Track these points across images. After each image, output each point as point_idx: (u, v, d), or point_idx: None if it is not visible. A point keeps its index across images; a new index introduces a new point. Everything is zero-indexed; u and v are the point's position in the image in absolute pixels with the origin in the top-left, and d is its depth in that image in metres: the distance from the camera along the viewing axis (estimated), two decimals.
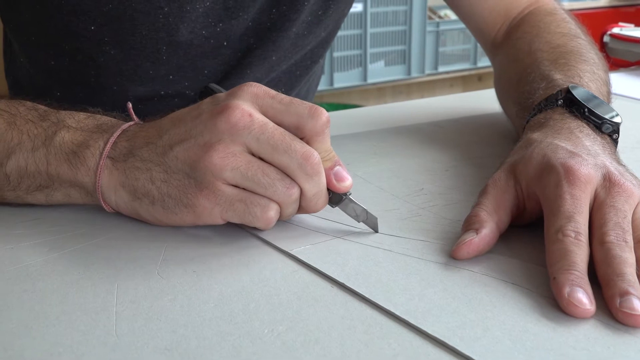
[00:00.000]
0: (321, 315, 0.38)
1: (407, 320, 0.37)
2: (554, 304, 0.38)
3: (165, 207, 0.46)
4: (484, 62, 2.77)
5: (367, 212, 0.48)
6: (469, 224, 0.44)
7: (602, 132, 0.51)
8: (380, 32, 2.52)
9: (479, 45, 0.96)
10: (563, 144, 0.47)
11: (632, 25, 1.22)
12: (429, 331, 0.35)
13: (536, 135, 0.50)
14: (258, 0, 0.70)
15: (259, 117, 0.44)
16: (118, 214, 0.50)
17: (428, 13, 2.62)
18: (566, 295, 0.37)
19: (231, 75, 0.74)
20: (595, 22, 1.11)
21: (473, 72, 2.84)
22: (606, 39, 1.16)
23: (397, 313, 0.37)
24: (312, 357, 0.34)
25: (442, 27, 2.67)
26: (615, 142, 0.52)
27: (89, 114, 0.51)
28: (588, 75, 0.60)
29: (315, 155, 0.44)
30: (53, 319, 0.37)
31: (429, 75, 2.70)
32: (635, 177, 0.46)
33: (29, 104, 0.52)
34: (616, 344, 0.35)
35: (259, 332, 0.36)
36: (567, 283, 0.37)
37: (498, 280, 0.41)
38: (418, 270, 0.42)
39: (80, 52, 0.68)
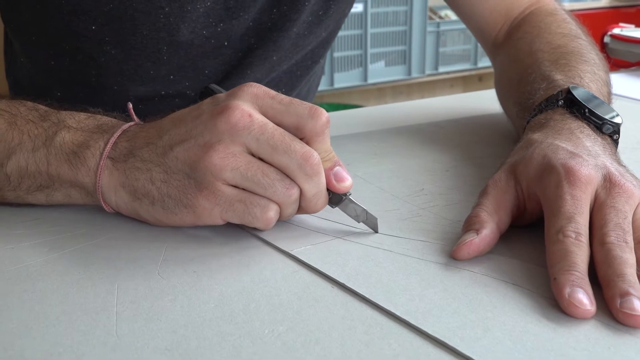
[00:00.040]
0: (322, 315, 0.38)
1: (407, 321, 0.37)
2: (555, 304, 0.38)
3: (165, 207, 0.46)
4: (485, 62, 2.77)
5: (367, 212, 0.48)
6: (470, 225, 0.44)
7: (603, 133, 0.51)
8: (380, 32, 2.52)
9: (479, 45, 0.96)
10: (563, 145, 0.47)
11: (632, 26, 1.22)
12: (430, 331, 0.35)
13: (537, 136, 0.50)
14: (259, 0, 0.70)
15: (259, 117, 0.44)
16: (118, 214, 0.50)
17: (428, 13, 2.62)
18: (567, 295, 0.37)
19: (232, 75, 0.74)
20: (595, 23, 1.11)
21: (473, 72, 2.84)
22: (607, 39, 1.16)
23: (398, 313, 0.37)
24: (313, 358, 0.34)
25: (442, 28, 2.67)
26: (615, 142, 0.52)
27: (89, 114, 0.51)
28: (589, 75, 0.60)
29: (315, 156, 0.44)
30: (53, 319, 0.37)
31: (429, 75, 2.70)
32: (636, 178, 0.46)
33: (29, 104, 0.52)
34: (616, 345, 0.35)
35: (260, 332, 0.36)
36: (567, 284, 0.37)
37: (498, 280, 0.41)
38: (418, 271, 0.42)
39: (81, 52, 0.68)
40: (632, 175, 0.46)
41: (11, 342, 0.35)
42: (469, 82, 2.92)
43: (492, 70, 0.79)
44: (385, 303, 0.38)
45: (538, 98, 0.58)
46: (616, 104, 0.59)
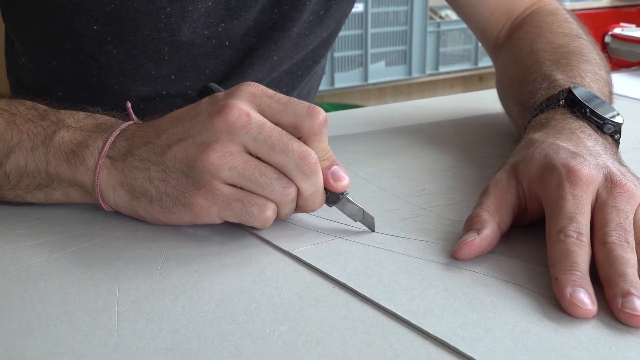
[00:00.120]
0: (323, 315, 0.38)
1: (408, 321, 0.37)
2: (556, 304, 0.38)
3: (163, 206, 0.46)
4: (485, 62, 2.77)
5: (364, 211, 0.48)
6: (471, 224, 0.44)
7: (604, 133, 0.51)
8: (381, 32, 2.52)
9: (479, 45, 0.96)
10: (565, 145, 0.47)
11: (633, 26, 1.22)
12: (431, 331, 0.35)
13: (538, 136, 0.50)
14: (260, 0, 0.70)
15: (257, 116, 0.44)
16: (118, 214, 0.50)
17: (429, 13, 2.62)
18: (568, 295, 0.37)
19: (233, 75, 0.74)
20: (596, 23, 1.11)
21: (474, 72, 2.84)
22: (608, 39, 1.16)
23: (399, 313, 0.37)
24: (314, 357, 0.34)
25: (443, 28, 2.67)
26: (616, 142, 0.52)
27: (88, 114, 0.51)
28: (590, 75, 0.60)
29: (313, 155, 0.44)
30: (54, 319, 0.37)
31: (429, 75, 2.70)
32: (637, 178, 0.46)
33: (28, 103, 0.52)
34: (618, 345, 0.35)
35: (261, 332, 0.36)
36: (569, 283, 0.37)
37: (499, 280, 0.41)
38: (419, 271, 0.42)
39: (83, 52, 0.68)
40: (634, 175, 0.46)
41: (12, 342, 0.35)
42: (470, 82, 2.92)
43: (492, 70, 0.79)
44: (386, 303, 0.38)
45: (539, 98, 0.58)
46: (617, 104, 0.59)
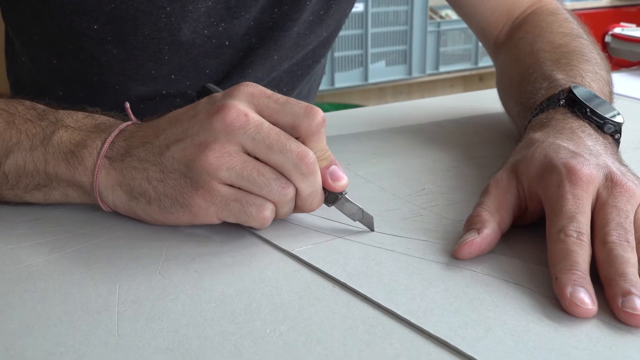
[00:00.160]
0: (323, 315, 0.38)
1: (409, 320, 0.37)
2: (556, 303, 0.38)
3: (162, 206, 0.46)
4: (485, 62, 2.77)
5: (362, 211, 0.48)
6: (471, 224, 0.44)
7: (604, 132, 0.51)
8: (381, 32, 2.52)
9: (480, 45, 0.96)
10: (565, 144, 0.47)
11: (633, 25, 1.22)
12: (431, 331, 0.35)
13: (538, 135, 0.50)
14: (260, 0, 0.70)
15: (255, 116, 0.44)
16: (118, 214, 0.50)
17: (429, 13, 2.62)
18: (568, 295, 0.37)
19: (233, 74, 0.74)
20: (597, 22, 1.11)
21: (474, 72, 2.83)
22: (608, 39, 1.16)
23: (399, 313, 0.37)
24: (314, 357, 0.34)
25: (443, 27, 2.67)
26: (617, 142, 0.52)
27: (87, 114, 0.51)
28: (590, 75, 0.60)
29: (311, 155, 0.44)
30: (55, 318, 0.37)
31: (430, 75, 2.70)
32: (637, 177, 0.46)
33: (27, 103, 0.52)
34: (618, 344, 0.35)
35: (261, 332, 0.36)
36: (569, 283, 0.37)
37: (500, 280, 0.41)
38: (420, 270, 0.42)
39: (83, 52, 0.68)
40: (634, 175, 0.46)
41: (13, 341, 0.35)
42: (470, 81, 2.92)
43: (492, 69, 0.79)
44: (386, 302, 0.38)
45: (539, 97, 0.58)
46: (617, 104, 0.59)
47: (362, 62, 2.51)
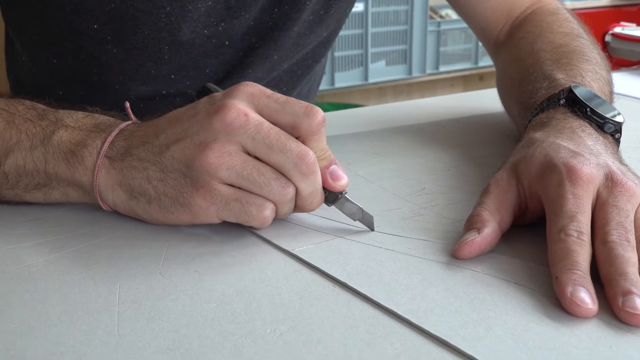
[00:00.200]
0: (323, 314, 0.38)
1: (409, 320, 0.37)
2: (557, 303, 0.38)
3: (162, 206, 0.46)
4: (485, 61, 2.77)
5: (362, 210, 0.48)
6: (471, 224, 0.44)
7: (604, 132, 0.51)
8: (381, 31, 2.52)
9: (480, 44, 0.96)
10: (565, 144, 0.47)
11: (634, 25, 1.22)
12: (431, 330, 0.35)
13: (538, 135, 0.50)
14: (260, 0, 0.70)
15: (255, 116, 0.44)
16: (119, 214, 0.50)
17: (429, 13, 2.62)
18: (569, 294, 0.37)
19: (233, 74, 0.74)
20: (597, 22, 1.11)
21: (474, 71, 2.84)
22: (608, 38, 1.16)
23: (400, 312, 0.37)
24: (314, 357, 0.34)
25: (443, 27, 2.67)
26: (617, 141, 0.52)
27: (87, 113, 0.51)
28: (590, 74, 0.60)
29: (311, 155, 0.44)
30: (55, 318, 0.37)
31: (430, 75, 2.70)
32: (637, 177, 0.46)
33: (27, 102, 0.52)
34: (618, 344, 0.35)
35: (261, 331, 0.36)
36: (569, 282, 0.37)
37: (500, 279, 0.41)
38: (420, 270, 0.42)
39: (83, 51, 0.68)
40: (634, 174, 0.46)
41: (13, 341, 0.35)
42: (470, 81, 2.92)
43: (492, 69, 0.79)
44: (387, 302, 0.38)
45: (540, 97, 0.58)
46: (618, 103, 0.59)
47: (362, 62, 2.51)
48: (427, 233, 0.47)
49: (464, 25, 0.82)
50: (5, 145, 0.49)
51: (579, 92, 0.53)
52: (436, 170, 0.60)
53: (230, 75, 0.74)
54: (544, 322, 0.36)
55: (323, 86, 2.38)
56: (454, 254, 0.43)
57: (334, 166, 0.47)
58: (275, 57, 0.75)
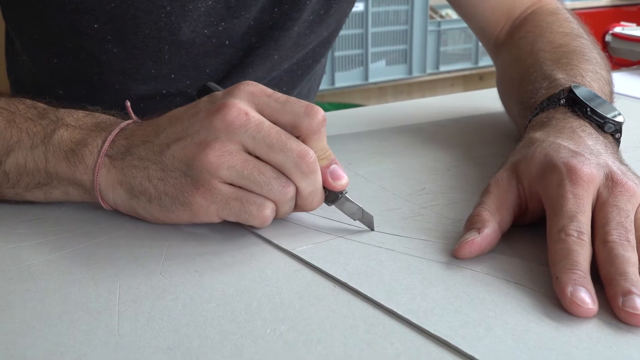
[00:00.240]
0: (323, 314, 0.38)
1: (409, 320, 0.37)
2: (557, 303, 0.38)
3: (162, 205, 0.46)
4: (485, 61, 2.77)
5: (362, 210, 0.48)
6: (471, 224, 0.44)
7: (605, 132, 0.51)
8: (381, 31, 2.52)
9: (480, 44, 0.96)
10: (565, 143, 0.47)
11: (634, 25, 1.22)
12: (432, 330, 0.35)
13: (538, 135, 0.50)
14: None
15: (255, 115, 0.44)
16: (119, 213, 0.50)
17: (429, 12, 2.62)
18: (569, 294, 0.37)
19: (233, 74, 0.74)
20: (597, 22, 1.11)
21: (474, 71, 2.83)
22: (608, 38, 1.16)
23: (400, 312, 0.37)
24: (315, 357, 0.34)
25: (443, 27, 2.67)
26: (617, 141, 0.52)
27: (87, 112, 0.51)
28: (590, 74, 0.60)
29: (311, 154, 0.44)
30: (55, 318, 0.37)
31: (430, 74, 2.70)
32: (638, 177, 0.46)
33: (28, 101, 0.52)
34: (619, 344, 0.35)
35: (261, 331, 0.36)
36: (569, 282, 0.37)
37: (500, 279, 0.41)
38: (420, 270, 0.42)
39: (83, 51, 0.68)
40: (634, 174, 0.46)
41: (13, 341, 0.35)
42: (470, 81, 2.92)
43: (492, 69, 0.79)
44: (387, 302, 0.38)
45: (540, 97, 0.58)
46: (618, 103, 0.59)
47: (363, 62, 2.51)
48: (427, 233, 0.47)
49: (464, 25, 0.82)
50: (6, 145, 0.49)
51: (579, 92, 0.53)
52: (436, 170, 0.60)
53: (230, 75, 0.74)
54: (544, 322, 0.36)
55: (323, 86, 2.38)
56: (454, 254, 0.43)
57: (334, 165, 0.47)
58: (275, 56, 0.75)
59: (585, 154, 0.45)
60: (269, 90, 0.46)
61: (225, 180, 0.44)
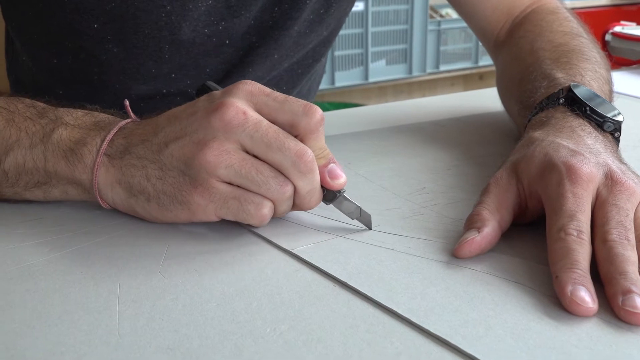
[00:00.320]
0: (323, 314, 0.38)
1: (409, 319, 0.37)
2: (557, 302, 0.38)
3: (160, 204, 0.46)
4: (485, 60, 2.77)
5: (360, 209, 0.48)
6: (471, 223, 0.44)
7: (604, 131, 0.51)
8: (381, 31, 2.52)
9: (480, 44, 0.96)
10: (565, 143, 0.47)
11: (634, 24, 1.22)
12: (432, 330, 0.35)
13: (538, 134, 0.50)
14: None
15: (253, 114, 0.44)
16: (119, 213, 0.50)
17: (429, 12, 2.62)
18: (569, 293, 0.37)
19: (233, 73, 0.74)
20: (597, 21, 1.11)
21: (474, 70, 2.84)
22: (608, 37, 1.16)
23: (400, 312, 0.37)
24: (315, 356, 0.34)
25: (443, 26, 2.67)
26: (617, 140, 0.52)
27: (86, 111, 0.51)
28: (590, 73, 0.60)
29: (309, 153, 0.44)
30: (55, 318, 0.37)
31: (430, 74, 2.70)
32: (637, 176, 0.46)
33: (27, 101, 0.52)
34: (618, 343, 0.35)
35: (262, 331, 0.36)
36: (569, 281, 0.37)
37: (500, 278, 0.41)
38: (420, 269, 0.42)
39: (83, 51, 0.68)
40: (634, 173, 0.46)
41: (13, 341, 0.35)
42: (470, 80, 2.92)
43: (492, 68, 0.79)
44: (387, 301, 0.38)
45: (539, 96, 0.58)
46: (617, 102, 0.59)
47: (363, 61, 2.51)
48: (427, 232, 0.47)
49: (464, 24, 0.82)
50: (5, 144, 0.49)
51: (578, 91, 0.53)
52: (436, 170, 0.60)
53: (230, 74, 0.74)
54: (544, 321, 0.36)
55: (323, 85, 2.38)
56: (454, 253, 0.43)
57: (332, 165, 0.47)
58: (275, 56, 0.75)
59: (585, 153, 0.46)
60: (267, 90, 0.46)
61: (223, 179, 0.44)
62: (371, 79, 2.55)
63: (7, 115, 0.50)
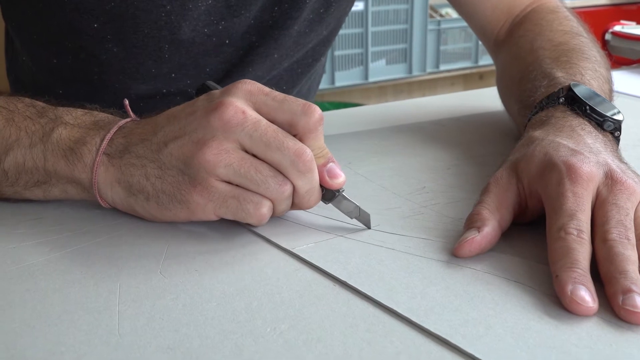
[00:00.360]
0: (323, 313, 0.38)
1: (409, 318, 0.37)
2: (557, 301, 0.38)
3: (160, 203, 0.46)
4: (485, 60, 2.77)
5: (359, 208, 0.48)
6: (471, 222, 0.44)
7: (604, 130, 0.51)
8: (381, 30, 2.52)
9: (480, 43, 0.96)
10: (565, 142, 0.47)
11: (633, 23, 1.22)
12: (432, 329, 0.35)
13: (538, 133, 0.50)
14: None
15: (252, 114, 0.44)
16: (119, 212, 0.50)
17: (429, 11, 2.62)
18: (569, 293, 0.37)
19: (233, 73, 0.74)
20: (597, 20, 1.11)
21: (474, 70, 2.84)
22: (608, 36, 1.16)
23: (400, 311, 0.37)
24: (315, 356, 0.34)
25: (443, 26, 2.67)
26: (617, 139, 0.52)
27: (86, 111, 0.51)
28: (590, 73, 0.60)
29: (308, 152, 0.44)
30: (55, 318, 0.37)
31: (430, 73, 2.70)
32: (637, 175, 0.46)
33: (27, 100, 0.52)
34: (619, 342, 0.35)
35: (262, 330, 0.36)
36: (569, 281, 0.37)
37: (500, 278, 0.41)
38: (420, 269, 0.42)
39: (83, 50, 0.68)
40: (634, 172, 0.46)
41: (13, 341, 0.35)
42: (470, 80, 2.92)
43: (493, 68, 0.79)
44: (387, 301, 0.38)
45: (539, 95, 0.58)
46: (617, 101, 0.59)
47: (363, 61, 2.51)
48: (427, 232, 0.47)
49: (464, 24, 0.82)
50: (5, 143, 0.49)
51: (578, 90, 0.53)
52: (436, 169, 0.60)
53: (230, 74, 0.74)
54: (544, 320, 0.36)
55: (323, 85, 2.38)
56: (454, 253, 0.43)
57: (331, 164, 0.47)
58: (275, 55, 0.75)
59: (585, 152, 0.45)
60: (266, 89, 0.46)
61: (222, 178, 0.44)
62: (371, 79, 2.55)
63: (7, 115, 0.50)
